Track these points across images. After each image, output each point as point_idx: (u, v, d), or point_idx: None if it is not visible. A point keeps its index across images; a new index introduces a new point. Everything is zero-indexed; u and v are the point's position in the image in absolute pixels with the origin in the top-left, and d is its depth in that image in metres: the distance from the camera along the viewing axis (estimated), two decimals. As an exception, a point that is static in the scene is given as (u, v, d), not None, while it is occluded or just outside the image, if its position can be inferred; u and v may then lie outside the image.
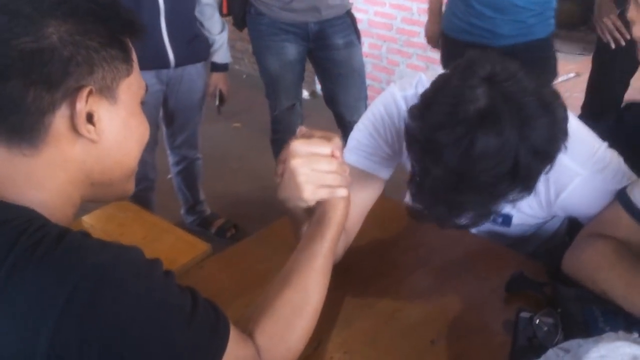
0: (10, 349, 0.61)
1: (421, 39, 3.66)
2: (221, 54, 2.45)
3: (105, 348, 0.63)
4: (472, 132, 0.84)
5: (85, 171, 0.73)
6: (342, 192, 0.90)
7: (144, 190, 2.54)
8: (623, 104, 1.51)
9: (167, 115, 2.51)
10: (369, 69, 4.02)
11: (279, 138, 2.69)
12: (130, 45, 0.76)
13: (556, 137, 0.91)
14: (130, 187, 0.82)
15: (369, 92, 4.06)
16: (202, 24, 2.36)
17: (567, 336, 0.95)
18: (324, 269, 0.88)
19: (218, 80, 2.53)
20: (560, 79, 4.35)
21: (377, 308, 1.11)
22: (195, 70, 2.40)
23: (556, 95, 0.92)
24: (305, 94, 4.02)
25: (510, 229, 1.25)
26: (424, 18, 3.61)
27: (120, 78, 0.74)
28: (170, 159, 2.68)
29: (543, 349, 0.89)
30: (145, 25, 0.78)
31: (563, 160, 1.05)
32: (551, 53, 2.29)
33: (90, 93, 0.70)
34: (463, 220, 0.98)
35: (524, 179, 0.90)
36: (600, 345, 0.79)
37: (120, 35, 0.74)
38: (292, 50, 2.48)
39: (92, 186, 0.75)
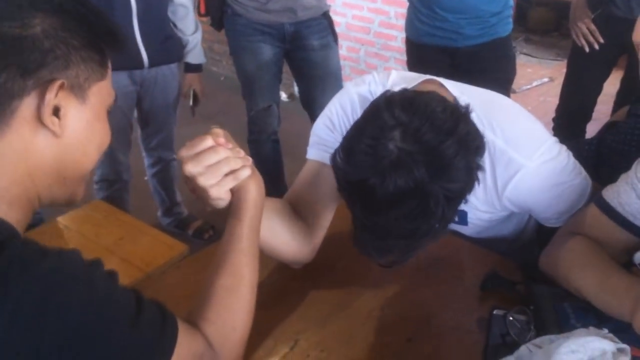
0: None
1: (398, 43, 3.69)
2: (195, 55, 2.44)
3: (55, 355, 0.64)
4: (383, 178, 0.86)
5: (43, 166, 0.75)
6: (245, 172, 0.90)
7: (118, 190, 2.53)
8: (607, 122, 1.54)
9: (142, 117, 2.50)
10: (347, 72, 4.04)
11: (255, 139, 2.68)
12: (107, 53, 0.80)
13: (471, 180, 0.93)
14: (81, 191, 0.83)
15: (347, 95, 4.11)
16: (175, 25, 2.36)
17: (540, 333, 0.97)
18: (250, 249, 0.89)
19: (192, 80, 2.52)
20: (534, 83, 4.43)
21: (354, 307, 1.12)
22: (169, 71, 2.39)
23: (470, 126, 0.93)
24: (283, 96, 4.03)
25: (468, 227, 1.27)
26: (402, 22, 3.63)
27: (93, 80, 0.77)
28: (146, 161, 2.67)
29: (516, 346, 0.91)
30: (125, 39, 0.82)
31: (508, 152, 1.08)
32: (512, 52, 2.42)
33: (61, 87, 0.73)
34: (390, 259, 1.01)
35: (439, 220, 0.90)
36: (571, 341, 0.81)
37: (101, 41, 0.78)
38: (267, 50, 2.48)
39: (49, 185, 0.77)
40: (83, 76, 0.75)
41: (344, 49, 4.00)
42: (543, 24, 5.49)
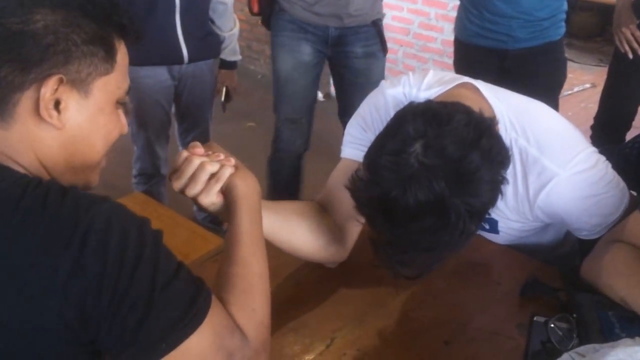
0: (28, 279, 0.68)
1: (438, 45, 3.67)
2: (230, 51, 2.45)
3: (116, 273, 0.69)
4: (404, 191, 0.86)
5: (51, 156, 0.78)
6: (226, 172, 0.92)
7: (156, 184, 2.56)
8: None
9: (179, 112, 2.53)
10: (385, 73, 4.02)
11: (277, 157, 2.55)
12: (118, 47, 0.81)
13: (495, 194, 0.92)
14: (95, 178, 0.87)
15: (384, 96, 4.09)
16: (213, 21, 2.37)
17: (583, 341, 0.95)
18: (251, 240, 0.89)
19: (226, 77, 2.53)
20: (575, 89, 4.34)
21: (390, 307, 1.12)
22: (206, 67, 2.41)
23: (494, 140, 0.92)
24: (319, 95, 4.03)
25: (499, 236, 1.25)
26: (441, 24, 3.63)
27: (97, 75, 0.79)
28: (182, 149, 2.69)
29: (557, 354, 0.89)
30: (140, 32, 0.83)
31: (541, 160, 1.07)
32: (563, 56, 2.35)
33: (60, 82, 0.75)
34: (416, 270, 1.00)
35: (460, 234, 0.89)
36: (618, 350, 0.79)
37: (110, 36, 0.80)
38: (308, 51, 2.37)
39: (61, 174, 0.80)
40: (85, 71, 0.77)
41: (382, 49, 3.99)
42: (586, 29, 5.39)
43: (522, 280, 1.14)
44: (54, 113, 0.76)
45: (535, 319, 1.04)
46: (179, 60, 2.29)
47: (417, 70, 3.82)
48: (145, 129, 2.45)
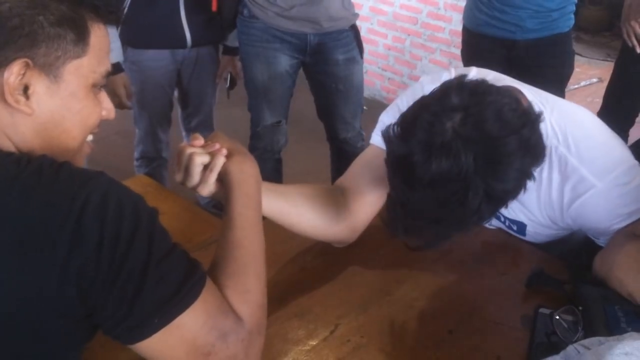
0: (27, 255, 0.67)
1: (446, 34, 3.64)
2: (234, 37, 2.41)
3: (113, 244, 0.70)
4: (429, 155, 0.85)
5: (28, 142, 0.76)
6: (218, 161, 0.93)
7: (157, 168, 2.56)
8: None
9: (182, 97, 2.53)
10: (391, 62, 4.01)
11: (256, 156, 2.45)
12: (91, 29, 0.78)
13: (520, 185, 0.91)
14: (79, 162, 0.84)
15: (390, 86, 4.08)
16: None
17: (588, 334, 0.94)
18: (245, 224, 0.89)
19: (229, 63, 2.51)
20: (582, 83, 4.32)
21: (396, 295, 1.11)
22: (209, 52, 2.40)
23: (535, 133, 0.91)
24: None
25: (527, 237, 1.25)
26: (450, 13, 3.60)
27: (67, 58, 0.76)
28: (186, 141, 2.69)
29: (562, 346, 0.88)
30: (117, 14, 0.82)
31: (580, 170, 1.05)
32: (571, 48, 2.34)
33: (27, 66, 0.73)
34: (421, 241, 1.02)
35: (473, 214, 0.89)
36: (625, 343, 0.78)
37: (79, 18, 0.76)
38: (284, 61, 2.24)
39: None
40: (54, 55, 0.74)
41: (389, 38, 3.96)
42: (595, 23, 5.35)
43: (528, 272, 1.13)
44: (21, 98, 0.73)
45: (540, 310, 1.04)
46: (182, 44, 2.28)
47: (425, 61, 3.80)
48: (147, 112, 2.45)
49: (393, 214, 0.96)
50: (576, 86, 4.27)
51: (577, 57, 4.93)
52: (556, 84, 2.26)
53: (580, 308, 1.01)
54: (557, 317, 1.00)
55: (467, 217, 0.89)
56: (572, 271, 1.16)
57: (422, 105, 0.91)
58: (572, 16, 2.27)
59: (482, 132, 0.85)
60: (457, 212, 0.88)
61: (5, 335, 0.70)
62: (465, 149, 0.84)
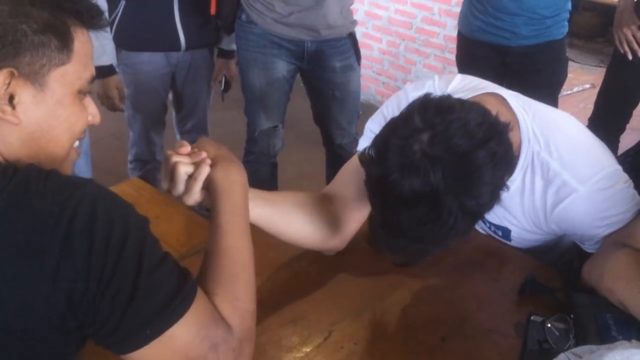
0: (16, 267, 0.67)
1: (440, 40, 3.66)
2: (229, 41, 2.42)
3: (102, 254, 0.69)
4: (401, 177, 0.87)
5: (15, 153, 0.76)
6: (203, 171, 0.93)
7: (151, 170, 2.55)
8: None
9: (176, 99, 2.53)
10: (386, 66, 4.02)
11: (253, 160, 2.43)
12: (75, 35, 0.77)
13: (493, 198, 0.92)
14: (67, 170, 0.84)
15: (385, 90, 4.09)
16: None
17: (579, 342, 0.95)
18: (232, 232, 0.89)
19: (224, 66, 2.51)
20: (575, 89, 4.34)
21: (389, 302, 1.12)
22: (203, 55, 2.40)
23: (503, 145, 0.92)
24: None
25: (512, 242, 1.25)
26: (445, 19, 3.62)
27: (52, 66, 0.75)
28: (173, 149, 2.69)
29: (554, 353, 0.89)
30: (99, 19, 0.80)
31: (562, 175, 1.06)
32: (565, 55, 2.35)
33: (12, 75, 0.72)
34: (405, 258, 1.04)
35: (450, 230, 0.90)
36: (616, 352, 0.79)
37: (62, 24, 0.76)
38: (281, 67, 2.25)
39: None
40: (38, 63, 0.74)
41: (384, 43, 3.97)
42: (588, 29, 5.38)
43: (521, 279, 1.14)
44: (7, 108, 0.73)
45: (532, 318, 1.04)
46: (176, 47, 2.28)
47: (419, 65, 3.81)
48: (140, 115, 2.45)
49: (376, 234, 0.98)
50: (569, 92, 4.29)
51: (570, 63, 4.97)
52: (550, 90, 2.27)
53: (572, 316, 1.02)
54: (549, 325, 1.01)
55: (445, 234, 0.90)
56: (564, 279, 1.17)
57: (391, 129, 0.93)
58: (567, 23, 2.28)
59: (449, 150, 0.86)
60: (435, 229, 0.89)
61: None
62: (433, 168, 0.86)
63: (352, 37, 2.30)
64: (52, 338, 0.71)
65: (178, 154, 0.95)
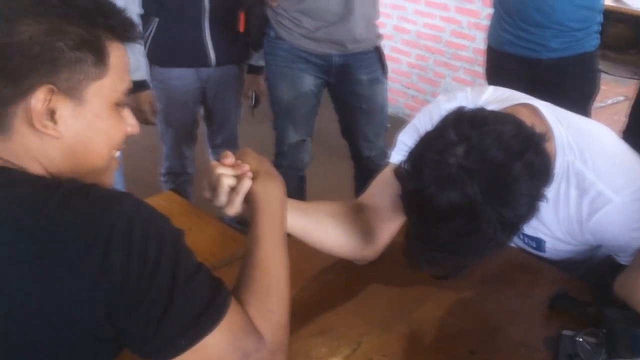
0: (57, 277, 0.69)
1: (469, 53, 3.65)
2: (258, 57, 2.46)
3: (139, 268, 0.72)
4: (438, 191, 0.87)
5: (56, 165, 0.78)
6: (245, 184, 0.95)
7: (182, 183, 2.62)
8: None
9: (207, 114, 2.57)
10: (414, 80, 4.02)
11: (280, 173, 2.44)
12: (110, 49, 0.79)
13: (531, 209, 0.92)
14: (108, 181, 0.86)
15: (413, 103, 4.09)
16: None
17: (611, 357, 0.94)
18: (270, 244, 0.91)
19: (253, 81, 2.55)
20: (608, 101, 4.28)
21: (418, 314, 1.12)
22: (233, 71, 2.45)
23: (539, 156, 0.92)
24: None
25: (546, 254, 1.24)
26: (474, 32, 3.61)
27: (88, 80, 0.77)
28: (211, 158, 2.73)
29: (585, 368, 0.88)
30: (133, 32, 0.82)
31: (597, 185, 1.05)
32: (597, 67, 2.33)
33: (51, 92, 0.74)
34: (443, 270, 1.03)
35: (489, 242, 0.90)
36: (648, 367, 0.78)
37: (97, 39, 0.77)
38: (309, 81, 2.29)
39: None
40: (76, 78, 0.76)
41: (412, 56, 3.98)
42: (621, 41, 5.29)
43: (551, 293, 1.13)
44: (49, 123, 0.75)
45: (563, 332, 1.03)
46: (206, 63, 2.33)
47: (448, 79, 3.81)
48: (172, 129, 2.50)
49: (414, 247, 0.98)
50: (602, 104, 4.22)
51: (603, 76, 4.90)
52: (581, 103, 2.25)
53: (604, 330, 1.00)
54: (580, 340, 1.00)
55: (484, 245, 0.90)
56: (595, 293, 1.15)
57: (425, 143, 0.94)
58: (598, 35, 2.26)
59: (485, 162, 0.87)
60: (474, 241, 0.89)
61: (33, 355, 0.72)
62: (470, 181, 0.86)
63: (378, 50, 2.33)
64: (89, 347, 0.74)
65: (222, 164, 0.97)
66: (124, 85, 0.83)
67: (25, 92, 0.74)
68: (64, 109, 0.76)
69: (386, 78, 2.40)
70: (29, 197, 0.73)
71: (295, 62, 2.26)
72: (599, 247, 1.20)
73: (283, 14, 2.20)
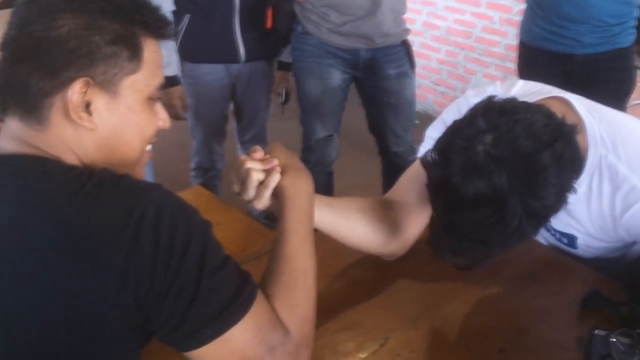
0: (88, 263, 0.71)
1: (501, 49, 3.60)
2: (288, 53, 2.46)
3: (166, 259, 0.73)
4: (465, 179, 0.87)
5: (90, 155, 0.80)
6: (274, 178, 0.95)
7: (212, 178, 2.64)
8: None
9: (237, 110, 2.59)
10: (444, 76, 3.99)
11: (308, 169, 2.43)
12: (144, 45, 0.81)
13: (560, 200, 0.90)
14: (140, 173, 0.88)
15: (443, 100, 4.05)
16: None
17: (645, 358, 0.92)
18: (297, 239, 0.91)
19: (283, 78, 2.55)
20: (643, 99, 4.18)
21: (446, 311, 1.11)
22: (263, 67, 2.46)
23: (569, 147, 0.90)
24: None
25: (578, 250, 1.22)
26: (506, 28, 3.57)
27: (123, 75, 0.79)
28: (240, 153, 2.75)
29: (619, 369, 0.87)
30: (166, 29, 0.84)
31: (631, 179, 1.03)
32: (633, 63, 2.28)
33: (88, 84, 0.76)
34: (467, 261, 1.02)
35: (514, 232, 0.88)
36: (684, 368, 0.76)
37: (132, 35, 0.80)
38: (336, 76, 2.29)
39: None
40: (111, 72, 0.78)
41: (442, 52, 3.95)
42: (657, 37, 5.17)
43: (583, 292, 1.11)
44: (84, 115, 0.77)
45: (595, 332, 1.01)
46: (236, 59, 2.35)
47: (479, 75, 3.77)
48: (202, 125, 2.53)
49: (438, 237, 0.97)
50: (638, 102, 4.13)
51: (639, 72, 4.79)
52: (616, 99, 2.20)
53: (638, 331, 0.98)
54: (614, 339, 0.98)
55: (509, 236, 0.89)
56: (629, 292, 1.13)
57: (454, 131, 0.93)
58: (634, 31, 2.21)
59: (514, 151, 0.86)
60: (499, 231, 0.88)
61: (63, 340, 0.74)
62: (498, 169, 0.85)
63: (405, 44, 2.31)
64: (118, 333, 0.75)
65: (252, 159, 0.97)
66: (157, 80, 0.85)
67: (62, 84, 0.76)
68: (99, 101, 0.78)
69: (414, 72, 2.38)
70: (62, 184, 0.75)
71: (323, 56, 2.25)
72: (633, 244, 1.17)
73: (311, 8, 2.20)
